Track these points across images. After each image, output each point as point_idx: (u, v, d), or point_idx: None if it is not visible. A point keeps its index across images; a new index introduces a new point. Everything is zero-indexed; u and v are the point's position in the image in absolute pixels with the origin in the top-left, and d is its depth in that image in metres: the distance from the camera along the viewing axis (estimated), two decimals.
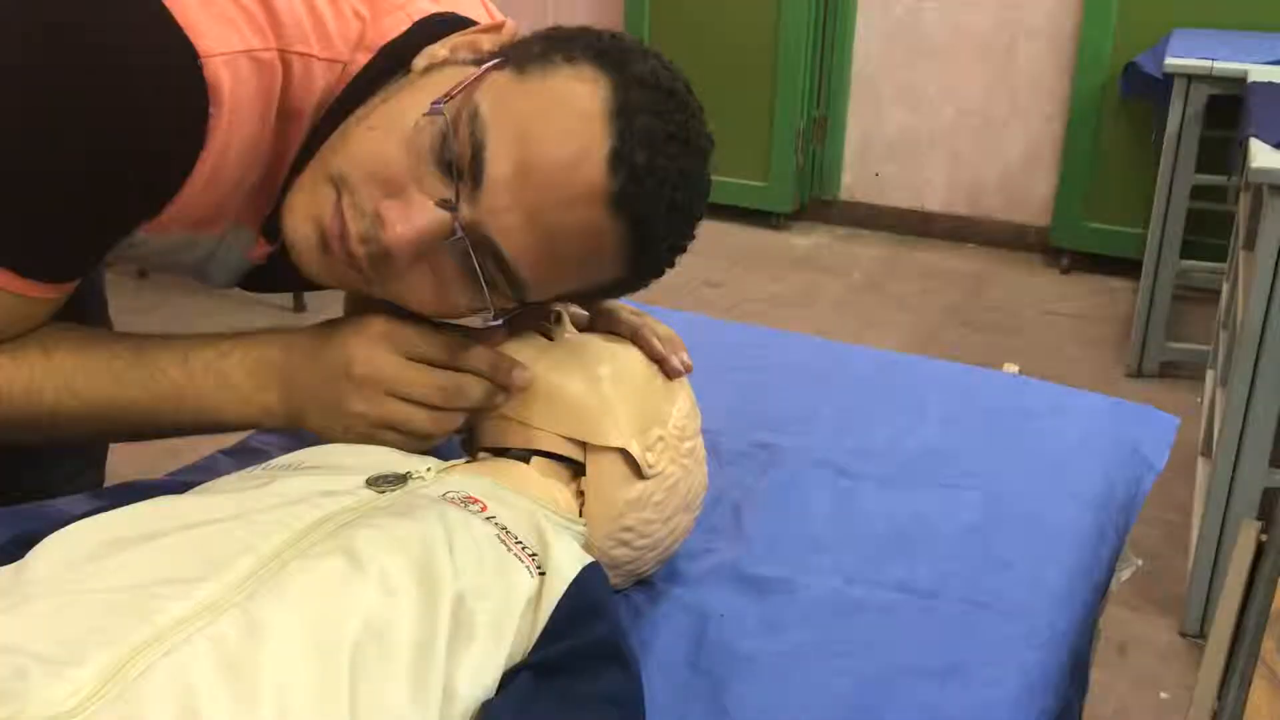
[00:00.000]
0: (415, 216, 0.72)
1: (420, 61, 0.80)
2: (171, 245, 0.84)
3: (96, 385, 0.81)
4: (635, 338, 0.90)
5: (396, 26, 0.81)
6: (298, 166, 0.80)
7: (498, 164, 0.71)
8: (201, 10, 0.72)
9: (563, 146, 0.72)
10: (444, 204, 0.72)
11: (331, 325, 0.83)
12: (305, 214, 0.76)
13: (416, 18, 0.82)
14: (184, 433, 0.84)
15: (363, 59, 0.79)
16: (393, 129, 0.74)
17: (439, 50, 0.80)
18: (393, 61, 0.80)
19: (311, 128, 0.80)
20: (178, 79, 0.72)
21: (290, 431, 0.89)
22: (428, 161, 0.73)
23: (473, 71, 0.76)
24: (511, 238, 0.73)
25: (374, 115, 0.77)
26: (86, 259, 0.80)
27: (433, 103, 0.73)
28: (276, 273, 0.88)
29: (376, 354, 0.80)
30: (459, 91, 0.74)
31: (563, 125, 0.72)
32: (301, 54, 0.77)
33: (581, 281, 0.78)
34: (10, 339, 0.79)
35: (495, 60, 0.77)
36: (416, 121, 0.73)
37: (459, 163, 0.72)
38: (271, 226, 0.83)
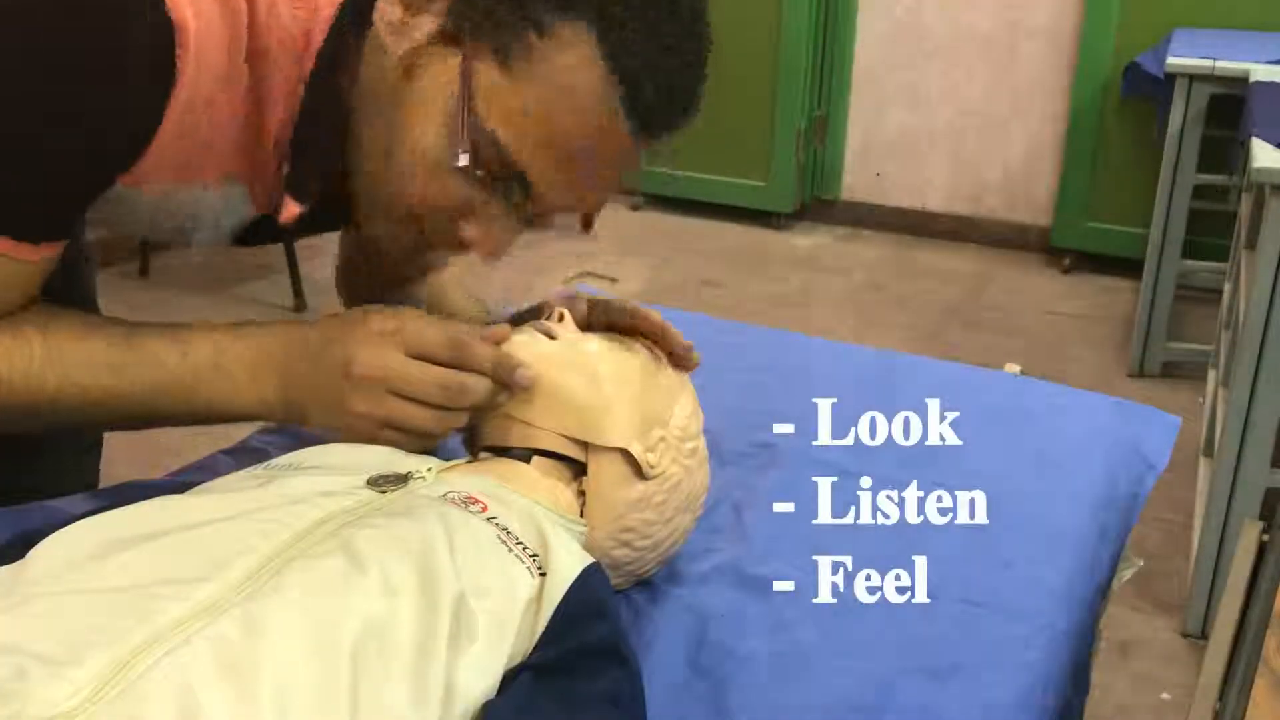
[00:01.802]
0: (499, 248, 0.82)
1: (389, 38, 0.78)
2: (158, 201, 0.82)
3: (95, 374, 0.80)
4: (636, 319, 0.90)
5: None
6: (305, 122, 0.80)
7: (539, 180, 0.78)
8: None
9: (584, 131, 0.77)
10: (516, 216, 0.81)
11: (333, 322, 0.83)
12: (388, 241, 0.86)
13: None
14: (181, 423, 0.84)
15: None
16: (435, 169, 0.78)
17: (393, 11, 0.78)
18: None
19: (307, 81, 0.79)
20: (142, 18, 0.72)
21: (290, 431, 0.89)
22: (478, 191, 0.79)
23: (453, 65, 0.76)
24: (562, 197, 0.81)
25: (394, 144, 0.78)
26: (71, 214, 0.79)
27: (453, 152, 0.77)
28: (276, 227, 0.88)
29: (380, 352, 0.79)
30: (463, 116, 0.76)
31: (575, 117, 0.76)
32: None
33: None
34: (3, 313, 0.79)
35: (464, 35, 0.76)
36: (450, 164, 0.77)
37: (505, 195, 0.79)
38: (301, 189, 0.82)
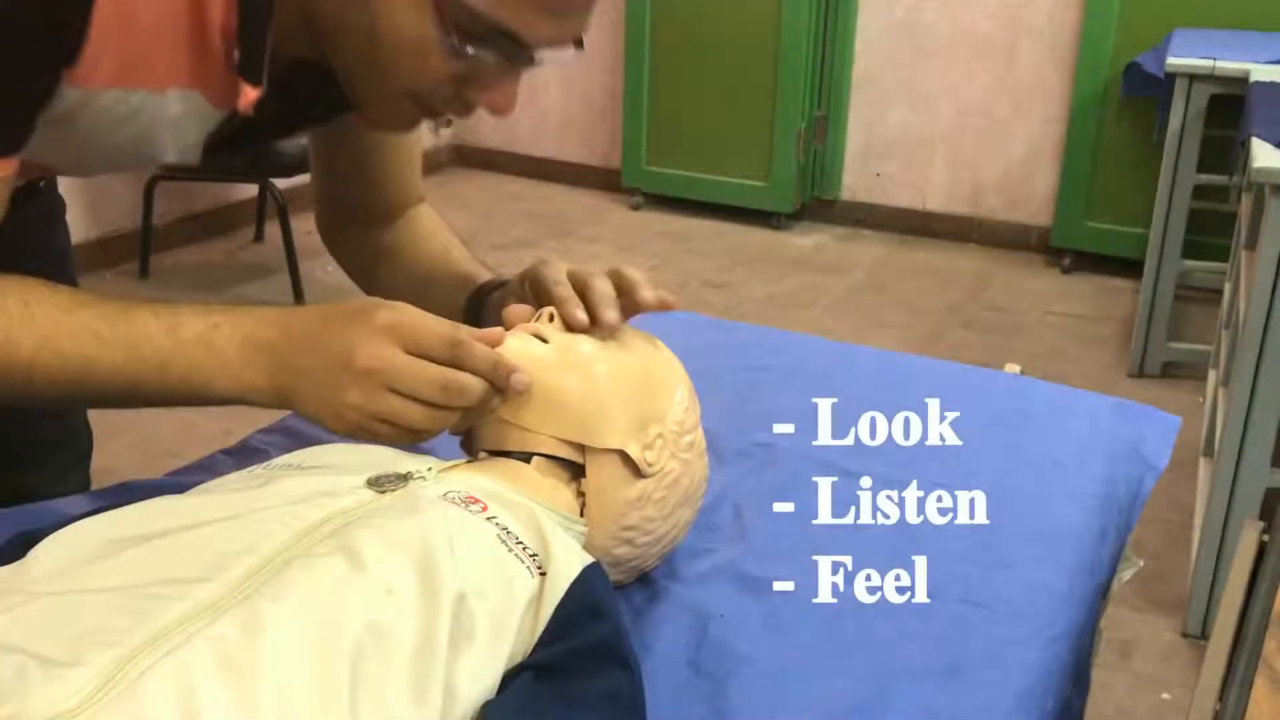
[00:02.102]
0: (511, 100, 0.84)
1: None
2: (109, 110, 0.81)
3: (78, 344, 0.78)
4: (550, 288, 0.90)
5: None
6: (246, 12, 0.79)
7: (524, 29, 0.79)
8: None
9: None
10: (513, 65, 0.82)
11: (332, 310, 0.81)
12: (399, 122, 0.88)
13: None
14: (165, 403, 0.82)
15: None
16: (420, 51, 0.79)
17: None
18: None
19: None
20: None
21: (290, 431, 0.88)
22: (470, 57, 0.80)
23: None
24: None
25: (382, 42, 0.79)
26: (17, 124, 0.77)
27: (436, 34, 0.78)
28: (244, 131, 0.87)
29: (380, 347, 0.78)
30: (441, 7, 0.77)
31: None
32: None
33: None
34: None
35: None
36: (436, 45, 0.79)
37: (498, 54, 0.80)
38: (252, 72, 0.81)
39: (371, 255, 1.10)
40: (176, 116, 0.84)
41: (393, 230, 1.10)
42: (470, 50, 0.79)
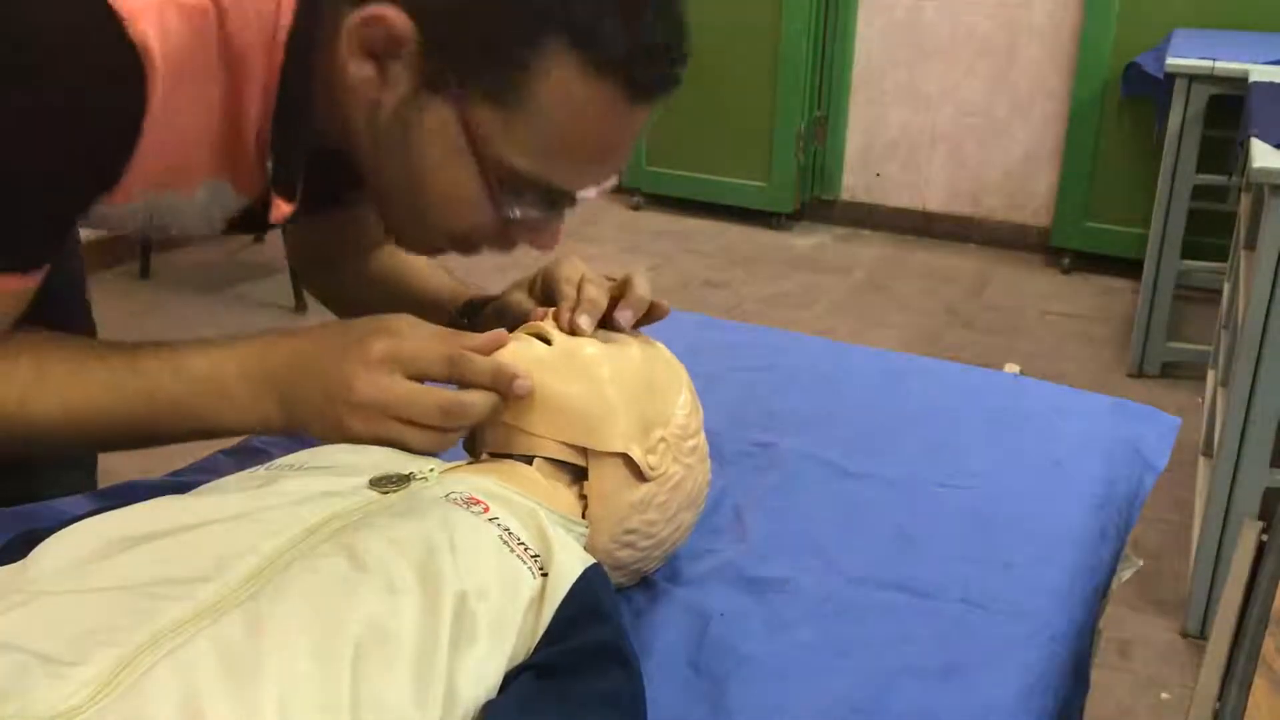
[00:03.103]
0: (556, 239, 0.86)
1: (369, 91, 0.78)
2: (143, 209, 0.82)
3: (92, 401, 0.80)
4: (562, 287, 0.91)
5: None
6: (284, 105, 0.79)
7: (566, 180, 0.81)
8: None
9: (595, 131, 0.78)
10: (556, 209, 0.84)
11: (330, 340, 0.82)
12: (430, 252, 0.93)
13: None
14: (182, 440, 0.84)
15: None
16: (464, 204, 0.80)
17: (363, 68, 0.77)
18: None
19: (279, 63, 0.78)
20: (102, 47, 0.70)
21: (292, 432, 0.89)
22: (514, 207, 0.81)
23: (448, 113, 0.76)
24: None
25: (427, 195, 0.80)
26: (47, 245, 0.79)
27: (480, 191, 0.79)
28: (265, 214, 0.88)
29: (378, 378, 0.79)
30: (477, 162, 0.78)
31: (582, 123, 0.77)
32: None
33: None
34: None
35: (448, 82, 0.75)
36: (483, 202, 0.80)
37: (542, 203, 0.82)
38: (286, 187, 0.81)
39: (351, 284, 1.10)
40: (203, 204, 0.85)
41: (373, 257, 1.10)
42: (516, 207, 0.80)
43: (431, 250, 0.91)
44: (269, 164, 0.81)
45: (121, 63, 0.71)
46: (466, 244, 0.86)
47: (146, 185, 0.79)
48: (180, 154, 0.78)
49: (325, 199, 0.94)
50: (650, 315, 0.92)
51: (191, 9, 0.73)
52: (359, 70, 0.77)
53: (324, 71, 0.78)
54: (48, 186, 0.74)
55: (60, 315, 0.84)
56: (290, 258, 1.15)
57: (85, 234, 1.13)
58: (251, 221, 0.90)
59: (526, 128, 0.76)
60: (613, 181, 0.85)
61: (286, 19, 0.76)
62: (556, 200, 0.82)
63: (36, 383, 0.79)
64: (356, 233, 1.07)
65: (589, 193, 0.84)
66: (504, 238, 0.85)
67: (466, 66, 0.75)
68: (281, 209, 0.82)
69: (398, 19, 0.74)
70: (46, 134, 0.72)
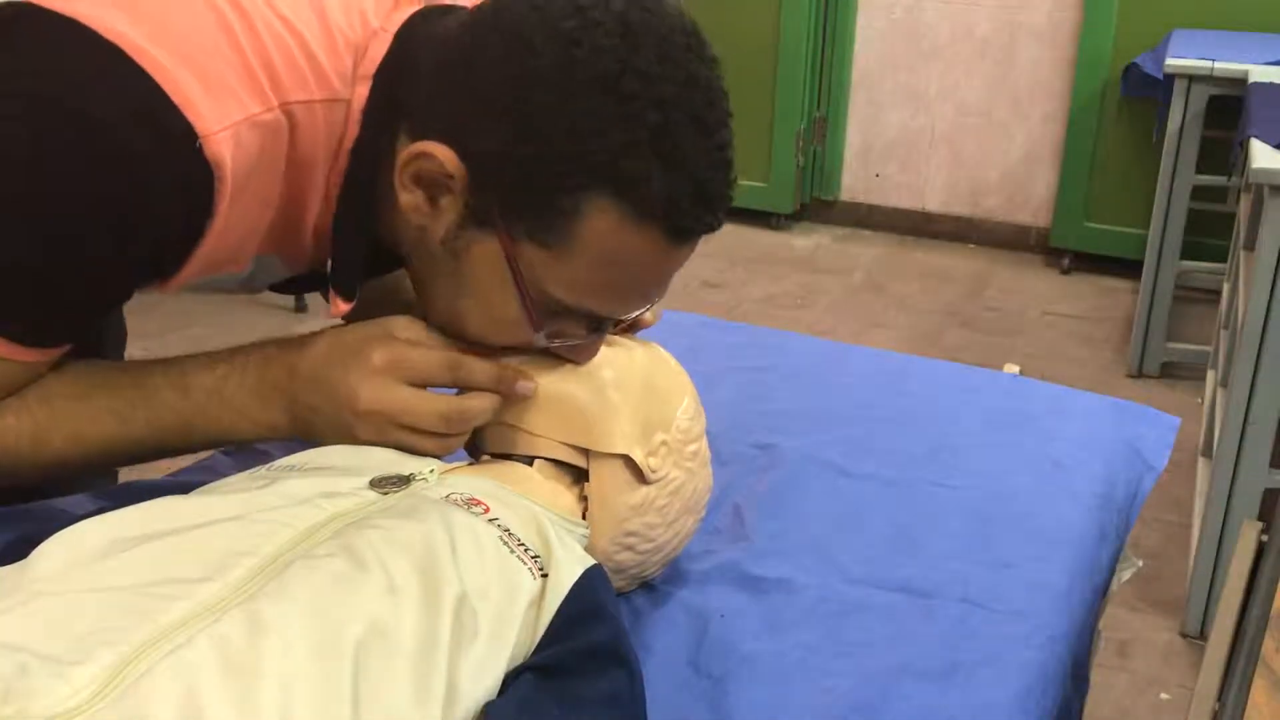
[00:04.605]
0: (594, 354, 0.86)
1: (417, 218, 0.79)
2: (189, 286, 0.84)
3: (102, 428, 0.81)
4: None
5: (381, 49, 0.80)
6: (344, 209, 0.81)
7: (606, 310, 0.81)
8: (197, 83, 0.71)
9: (636, 273, 0.78)
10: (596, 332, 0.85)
11: (332, 351, 0.82)
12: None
13: (393, 30, 0.81)
14: (195, 451, 0.87)
15: (362, 91, 0.79)
16: (507, 327, 0.81)
17: (412, 198, 0.78)
18: (388, 85, 0.79)
19: (342, 169, 0.80)
20: (178, 164, 0.72)
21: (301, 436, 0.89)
22: (556, 332, 0.82)
23: (494, 246, 0.77)
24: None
25: (471, 315, 0.81)
26: (81, 328, 0.81)
27: (525, 320, 0.79)
28: (308, 282, 0.91)
29: (380, 387, 0.80)
30: (523, 297, 0.78)
31: (624, 267, 0.77)
32: (303, 102, 0.76)
33: None
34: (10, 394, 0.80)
35: (494, 218, 0.76)
36: (525, 327, 0.80)
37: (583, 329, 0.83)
38: (345, 288, 0.83)
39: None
40: (251, 274, 0.87)
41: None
42: (558, 333, 0.81)
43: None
44: (329, 263, 0.83)
45: (195, 177, 0.73)
46: (506, 352, 0.86)
47: (200, 273, 0.80)
48: (236, 246, 0.80)
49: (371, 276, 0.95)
50: (634, 325, 0.92)
51: (266, 126, 0.75)
52: (410, 198, 0.78)
53: (383, 186, 0.79)
54: (98, 278, 0.76)
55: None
56: None
57: None
58: (296, 285, 0.93)
59: (569, 265, 0.76)
60: (655, 304, 0.87)
61: (353, 131, 0.79)
62: (597, 326, 0.83)
63: (47, 420, 0.80)
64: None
65: (630, 315, 0.86)
66: (544, 353, 0.86)
67: (511, 206, 0.75)
68: (340, 307, 0.84)
69: (446, 157, 0.75)
70: (111, 228, 0.73)
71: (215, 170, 0.73)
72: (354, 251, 0.83)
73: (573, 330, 0.82)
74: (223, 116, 0.72)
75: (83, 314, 0.80)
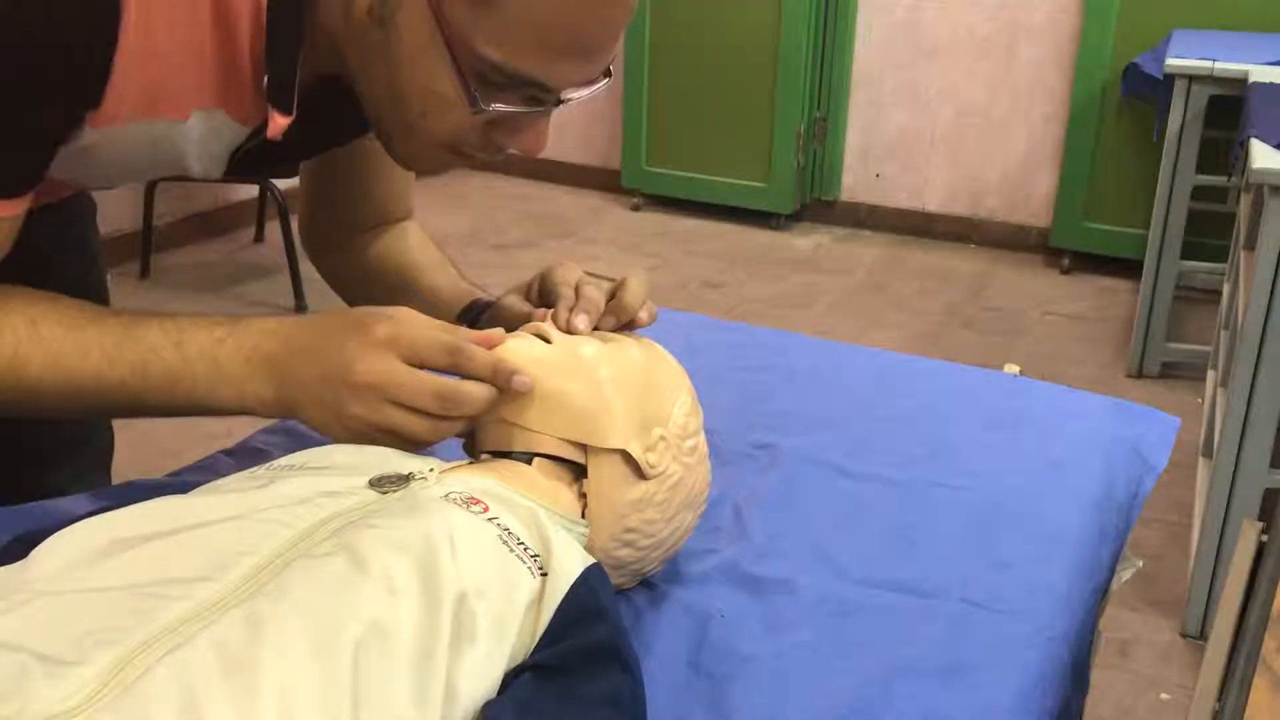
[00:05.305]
0: (542, 140, 0.85)
1: None
2: (134, 139, 0.81)
3: (85, 362, 0.79)
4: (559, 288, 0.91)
5: None
6: (276, 39, 0.78)
7: (550, 74, 0.79)
8: None
9: (573, 14, 0.76)
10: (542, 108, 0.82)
11: (332, 322, 0.83)
12: (430, 167, 0.89)
13: None
14: (172, 414, 0.84)
15: None
16: (444, 105, 0.79)
17: None
18: None
19: None
20: None
21: (292, 432, 0.89)
22: (498, 107, 0.80)
23: (421, 7, 0.75)
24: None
25: (407, 96, 0.79)
26: (34, 165, 0.78)
27: (461, 89, 0.78)
28: (267, 151, 0.87)
29: (378, 360, 0.79)
30: (455, 59, 0.76)
31: (557, 6, 0.75)
32: None
33: None
34: None
35: None
36: (461, 100, 0.78)
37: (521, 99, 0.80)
38: (281, 100, 0.81)
39: (358, 267, 1.10)
40: (201, 136, 0.84)
41: (381, 242, 1.09)
42: (495, 103, 0.79)
43: (424, 166, 0.89)
44: (264, 81, 0.80)
45: None
46: (453, 149, 0.84)
47: (133, 107, 0.77)
48: (165, 73, 0.77)
49: (325, 137, 0.93)
50: (631, 325, 0.91)
51: None
52: None
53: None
54: (24, 103, 0.73)
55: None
56: (302, 238, 1.15)
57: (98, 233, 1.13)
58: (257, 158, 0.89)
59: (498, 17, 0.75)
60: (601, 84, 0.83)
61: None
62: (536, 97, 0.80)
63: (30, 341, 0.78)
64: (365, 206, 1.07)
65: (576, 93, 0.82)
66: (488, 141, 0.83)
67: None
68: (278, 122, 0.81)
69: None
70: (19, 50, 0.71)
71: None
72: (288, 57, 0.80)
73: (510, 104, 0.80)
74: None
75: (23, 148, 0.76)
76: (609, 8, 0.78)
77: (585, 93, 0.83)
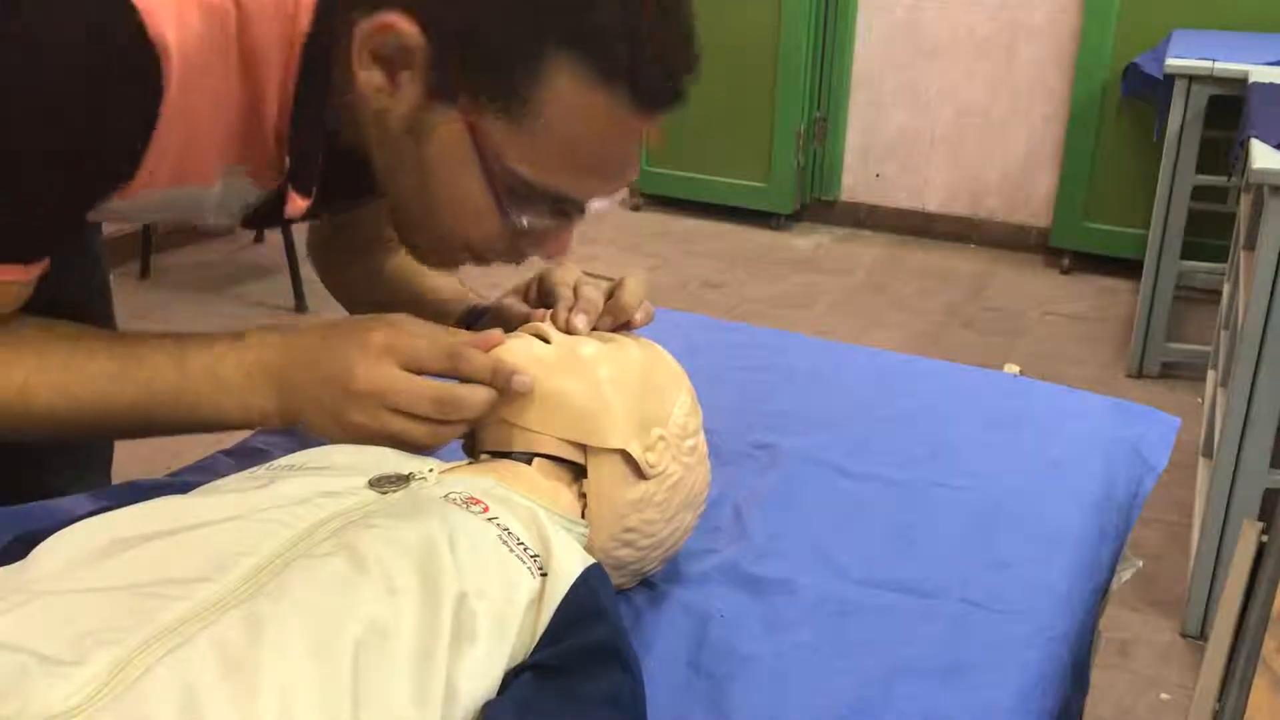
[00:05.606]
0: (566, 248, 0.87)
1: (378, 99, 0.78)
2: (160, 202, 0.82)
3: (92, 387, 0.80)
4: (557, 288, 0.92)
5: None
6: (301, 106, 0.79)
7: (575, 190, 0.82)
8: None
9: (603, 141, 0.79)
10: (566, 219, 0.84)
11: (330, 331, 0.83)
12: (448, 265, 0.92)
13: None
14: (179, 432, 0.85)
15: None
16: (473, 215, 0.81)
17: (372, 77, 0.77)
18: None
19: (296, 68, 0.78)
20: (120, 43, 0.70)
21: (291, 432, 0.89)
22: (524, 218, 0.82)
23: (457, 124, 0.77)
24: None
25: (439, 207, 0.81)
26: (57, 238, 0.79)
27: (492, 202, 0.80)
28: (281, 209, 0.88)
29: (377, 368, 0.80)
30: (488, 174, 0.78)
31: (590, 134, 0.78)
32: None
33: None
34: None
35: (456, 92, 0.76)
36: (492, 212, 0.81)
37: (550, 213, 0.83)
38: (302, 184, 0.82)
39: (367, 280, 1.11)
40: (220, 196, 0.85)
41: (392, 261, 1.10)
42: (524, 216, 0.81)
43: (444, 262, 0.91)
44: (286, 160, 0.81)
45: (139, 59, 0.71)
46: (477, 254, 0.87)
47: (163, 180, 0.79)
48: (197, 149, 0.79)
49: (343, 199, 0.94)
50: (628, 325, 0.92)
51: (212, 8, 0.74)
52: (369, 78, 0.77)
53: (339, 76, 0.79)
54: (59, 179, 0.75)
55: (80, 316, 0.84)
56: (310, 254, 1.16)
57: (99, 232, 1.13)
58: (269, 215, 0.90)
59: (533, 138, 0.76)
60: (623, 194, 0.86)
61: (304, 22, 0.77)
62: (564, 210, 0.83)
63: (38, 370, 0.79)
64: (371, 232, 1.08)
65: (599, 204, 0.85)
66: (514, 249, 0.86)
67: (474, 77, 0.76)
68: (297, 204, 0.82)
69: (407, 28, 0.75)
70: (61, 127, 0.72)
71: (160, 52, 0.71)
72: (312, 144, 0.81)
73: (539, 218, 0.82)
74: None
75: (45, 221, 0.77)
76: (634, 135, 0.81)
77: (607, 203, 0.86)
